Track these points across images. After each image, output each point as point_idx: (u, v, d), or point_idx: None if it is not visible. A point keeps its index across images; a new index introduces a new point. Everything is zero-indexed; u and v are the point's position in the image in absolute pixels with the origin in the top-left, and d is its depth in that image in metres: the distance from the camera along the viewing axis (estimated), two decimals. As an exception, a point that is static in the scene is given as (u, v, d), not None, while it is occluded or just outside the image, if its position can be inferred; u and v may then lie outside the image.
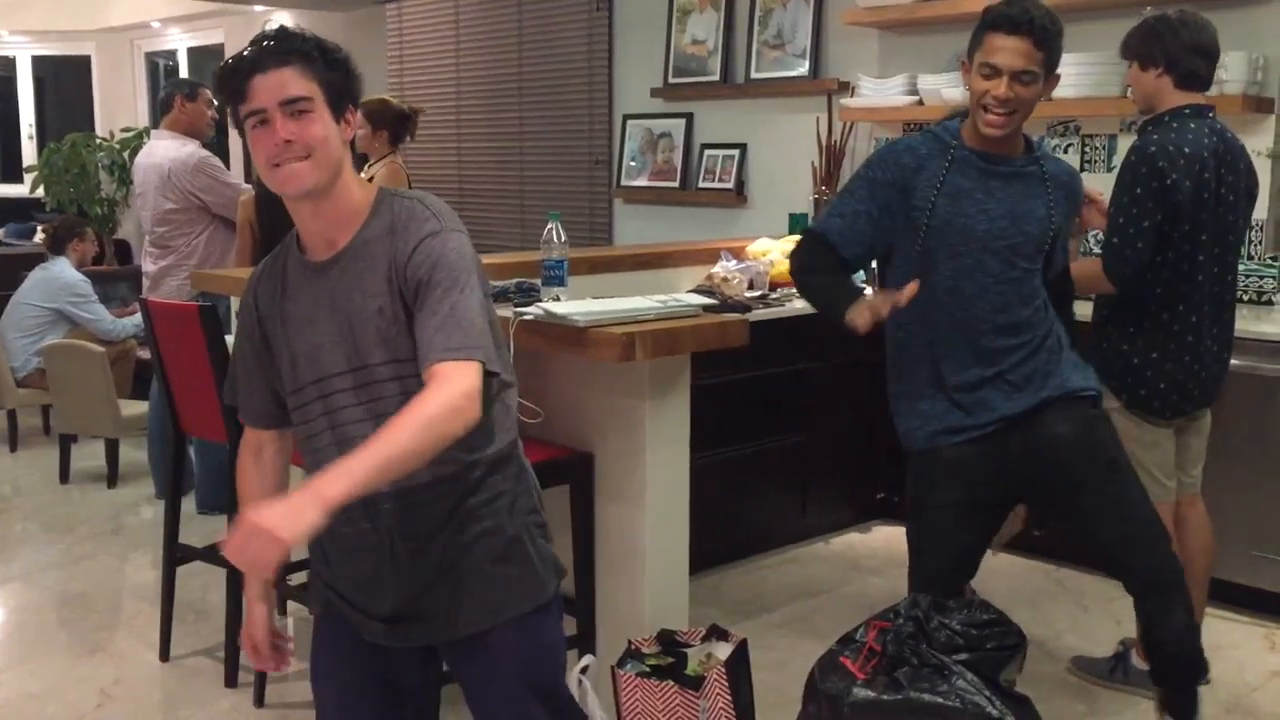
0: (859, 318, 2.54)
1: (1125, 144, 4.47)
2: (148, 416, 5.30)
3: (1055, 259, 2.79)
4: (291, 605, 3.89)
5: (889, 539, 4.72)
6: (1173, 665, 2.75)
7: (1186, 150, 2.99)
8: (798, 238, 2.96)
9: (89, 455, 5.85)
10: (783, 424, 4.50)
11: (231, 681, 3.47)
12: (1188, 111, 3.06)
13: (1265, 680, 3.43)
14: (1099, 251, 3.10)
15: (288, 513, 1.59)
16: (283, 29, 1.93)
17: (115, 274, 7.91)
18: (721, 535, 4.25)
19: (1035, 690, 2.52)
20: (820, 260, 2.74)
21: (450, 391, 1.73)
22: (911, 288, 2.51)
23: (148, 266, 5.16)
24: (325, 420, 1.91)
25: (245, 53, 1.85)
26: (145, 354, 5.69)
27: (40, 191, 8.85)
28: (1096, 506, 2.66)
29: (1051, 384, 2.67)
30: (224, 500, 3.57)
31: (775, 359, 4.33)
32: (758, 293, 4.24)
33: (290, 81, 1.82)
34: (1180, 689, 2.77)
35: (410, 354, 1.85)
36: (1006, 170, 2.65)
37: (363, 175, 5.11)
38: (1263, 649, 3.64)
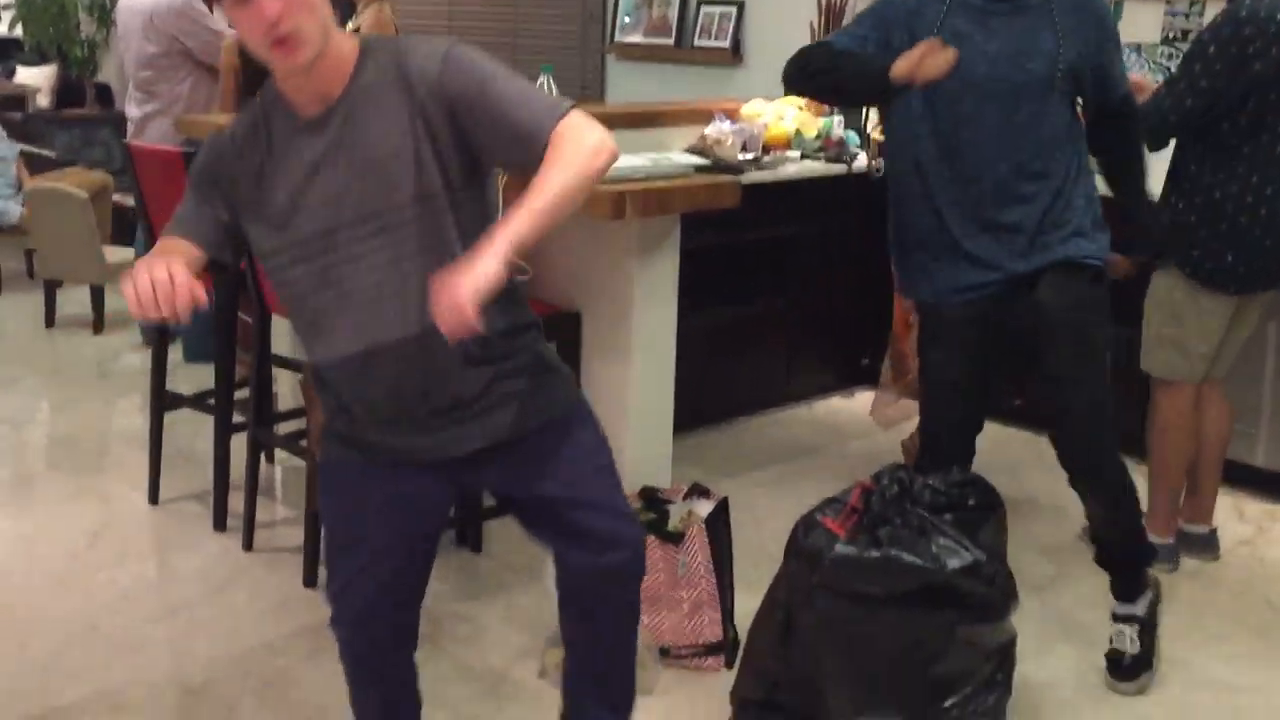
0: (904, 68, 2.40)
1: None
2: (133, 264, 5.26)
3: (1109, 87, 2.68)
4: (280, 454, 3.94)
5: (871, 405, 4.77)
6: (1108, 550, 2.83)
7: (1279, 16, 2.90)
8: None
9: (74, 301, 5.83)
10: (770, 288, 4.50)
11: (220, 526, 3.52)
12: None
13: (1231, 548, 3.52)
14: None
15: (474, 274, 1.66)
16: None
17: (97, 118, 7.76)
18: (706, 397, 4.29)
19: (1008, 551, 2.57)
20: (824, 59, 2.63)
21: (581, 137, 1.77)
22: (952, 54, 2.39)
23: (132, 111, 5.06)
24: (337, 272, 1.87)
25: None
26: (128, 199, 5.62)
27: (18, 31, 8.61)
28: (1060, 377, 2.65)
29: (1059, 242, 2.63)
30: (211, 349, 3.57)
31: (765, 223, 4.29)
32: (750, 155, 4.18)
33: None
34: (1119, 573, 2.85)
35: (436, 187, 1.84)
36: (1007, 7, 2.56)
37: (349, 26, 5.02)
38: (1232, 519, 3.73)
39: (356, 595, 2.06)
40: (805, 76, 2.68)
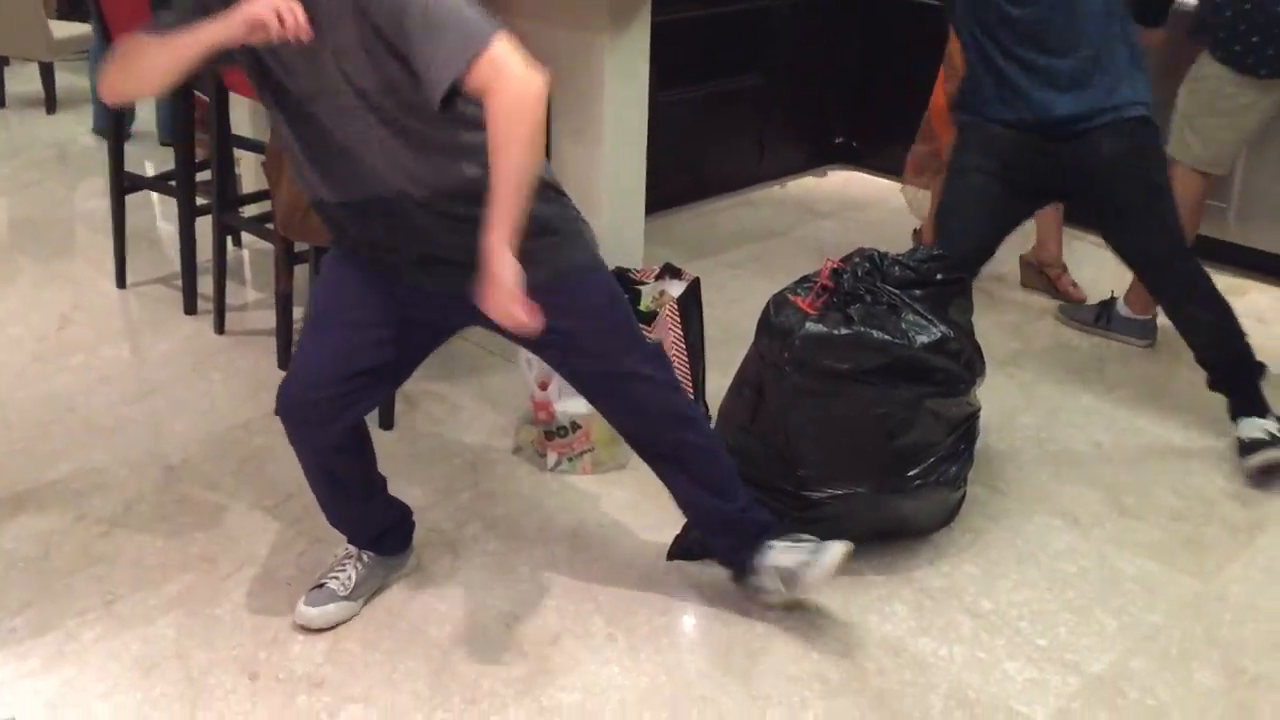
0: None
1: None
2: (92, 41, 5.02)
3: None
4: (246, 238, 3.90)
5: (844, 184, 4.75)
6: (1226, 363, 2.84)
7: None
8: None
9: (23, 78, 5.63)
10: (743, 64, 4.39)
11: (191, 309, 3.51)
12: None
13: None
14: None
15: (504, 271, 1.79)
16: None
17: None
18: (678, 177, 4.25)
19: (975, 327, 2.61)
20: None
21: (504, 93, 1.75)
22: None
23: None
24: (317, 124, 1.87)
25: None
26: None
27: None
28: (1136, 227, 2.76)
29: (1101, 89, 2.65)
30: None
31: (739, -6, 4.16)
32: (725, -80, 4.00)
33: None
34: (1238, 385, 2.84)
35: (383, 86, 1.82)
36: None
37: None
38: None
39: (308, 359, 2.10)
40: None
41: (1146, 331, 3.43)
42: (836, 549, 2.18)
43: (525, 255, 1.89)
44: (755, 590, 2.26)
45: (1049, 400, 3.13)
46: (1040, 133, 2.70)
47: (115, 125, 3.57)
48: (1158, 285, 2.93)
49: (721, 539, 2.29)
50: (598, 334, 2.09)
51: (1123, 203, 2.75)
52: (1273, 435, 2.76)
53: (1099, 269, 3.93)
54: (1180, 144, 3.27)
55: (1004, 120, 2.72)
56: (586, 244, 2.09)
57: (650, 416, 2.17)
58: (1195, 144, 3.25)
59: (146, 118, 4.91)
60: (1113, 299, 3.49)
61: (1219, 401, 3.16)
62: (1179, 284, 2.85)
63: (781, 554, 2.21)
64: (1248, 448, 2.77)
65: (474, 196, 1.86)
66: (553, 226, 2.01)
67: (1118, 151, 2.69)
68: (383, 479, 2.31)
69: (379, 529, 2.33)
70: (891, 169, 4.25)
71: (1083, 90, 2.65)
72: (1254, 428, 2.79)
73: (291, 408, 2.10)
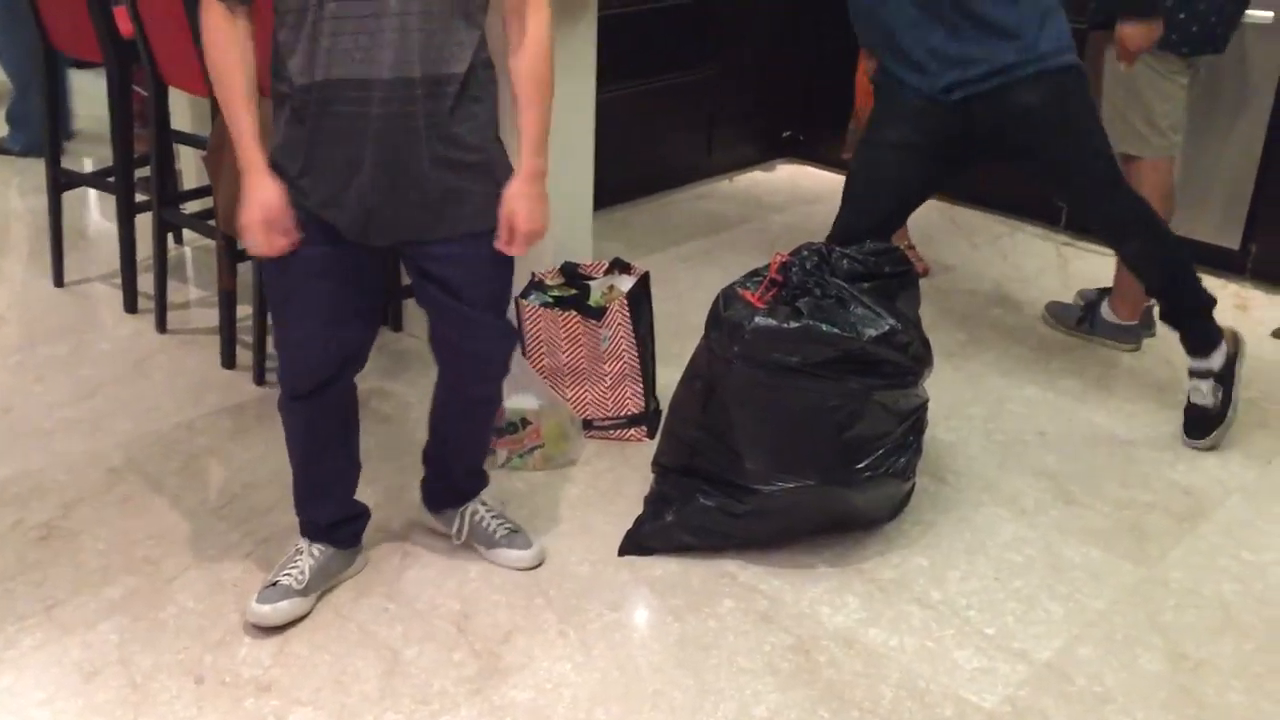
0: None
1: None
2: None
3: None
4: (188, 235, 3.84)
5: (793, 177, 4.77)
6: (1173, 296, 2.87)
7: None
8: None
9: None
10: (691, 58, 4.39)
11: (131, 308, 3.45)
12: None
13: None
14: None
15: (535, 206, 2.07)
16: None
17: None
18: (627, 171, 4.24)
19: (923, 318, 2.63)
20: None
21: (542, 13, 2.08)
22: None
23: None
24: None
25: None
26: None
27: None
28: (1060, 167, 2.75)
29: (1014, 48, 2.62)
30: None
31: (686, -13, 4.15)
32: (670, -87, 4.00)
33: None
34: (1189, 322, 2.87)
35: None
36: None
37: None
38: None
39: (314, 362, 2.11)
40: None
41: (1131, 336, 3.40)
42: (526, 555, 2.39)
43: (473, 195, 2.03)
44: (440, 522, 2.46)
45: (996, 391, 3.16)
46: (955, 102, 2.66)
47: (52, 119, 3.49)
48: (1109, 222, 2.86)
49: (463, 473, 2.43)
50: (491, 292, 2.16)
51: (1044, 144, 2.71)
52: (1216, 402, 2.86)
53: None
54: (1138, 140, 3.19)
55: (913, 86, 2.67)
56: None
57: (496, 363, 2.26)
58: (1153, 134, 3.18)
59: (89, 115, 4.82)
60: (1097, 301, 3.46)
61: (1161, 388, 3.20)
62: (1125, 215, 2.82)
63: (489, 518, 2.41)
64: (1196, 424, 2.89)
65: (462, 136, 1.98)
66: (500, 177, 2.08)
67: (1041, 101, 2.65)
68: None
69: (347, 512, 2.33)
70: (840, 162, 4.26)
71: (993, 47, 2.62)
72: (1200, 392, 2.88)
73: (305, 389, 2.15)
